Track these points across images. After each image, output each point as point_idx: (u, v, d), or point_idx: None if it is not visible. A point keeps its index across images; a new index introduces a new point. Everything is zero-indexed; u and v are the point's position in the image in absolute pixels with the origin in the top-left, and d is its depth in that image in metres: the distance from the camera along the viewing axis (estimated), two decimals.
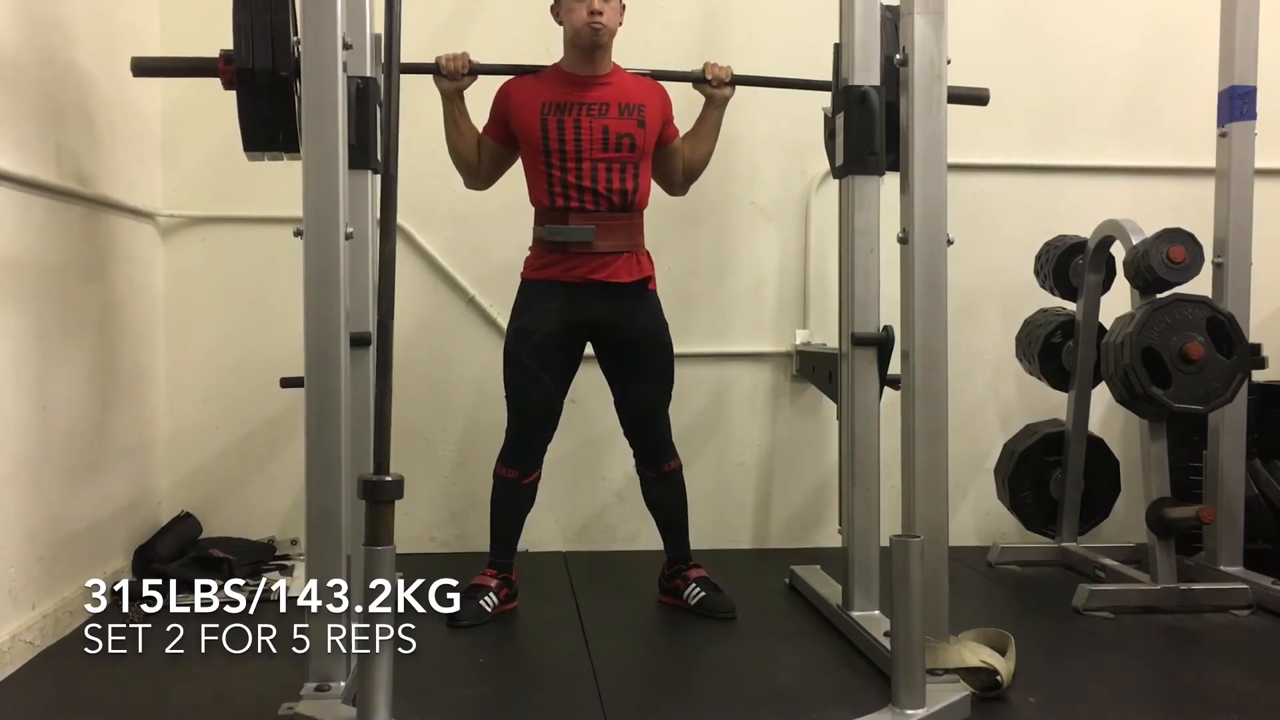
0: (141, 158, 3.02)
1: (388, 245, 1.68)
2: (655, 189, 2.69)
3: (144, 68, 2.22)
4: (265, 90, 1.96)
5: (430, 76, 2.55)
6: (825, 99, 2.60)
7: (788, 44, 3.25)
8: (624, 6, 2.56)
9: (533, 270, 2.59)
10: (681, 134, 2.71)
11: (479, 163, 2.62)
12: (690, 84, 2.66)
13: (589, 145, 2.50)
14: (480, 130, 2.62)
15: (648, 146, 2.57)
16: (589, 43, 2.49)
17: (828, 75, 2.54)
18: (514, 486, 2.59)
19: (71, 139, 2.54)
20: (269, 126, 2.01)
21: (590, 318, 2.55)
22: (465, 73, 2.51)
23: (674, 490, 2.67)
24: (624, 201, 2.54)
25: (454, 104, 2.56)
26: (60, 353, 2.44)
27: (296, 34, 2.00)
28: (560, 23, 2.56)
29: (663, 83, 2.66)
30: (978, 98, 2.49)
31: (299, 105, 1.98)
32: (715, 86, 2.62)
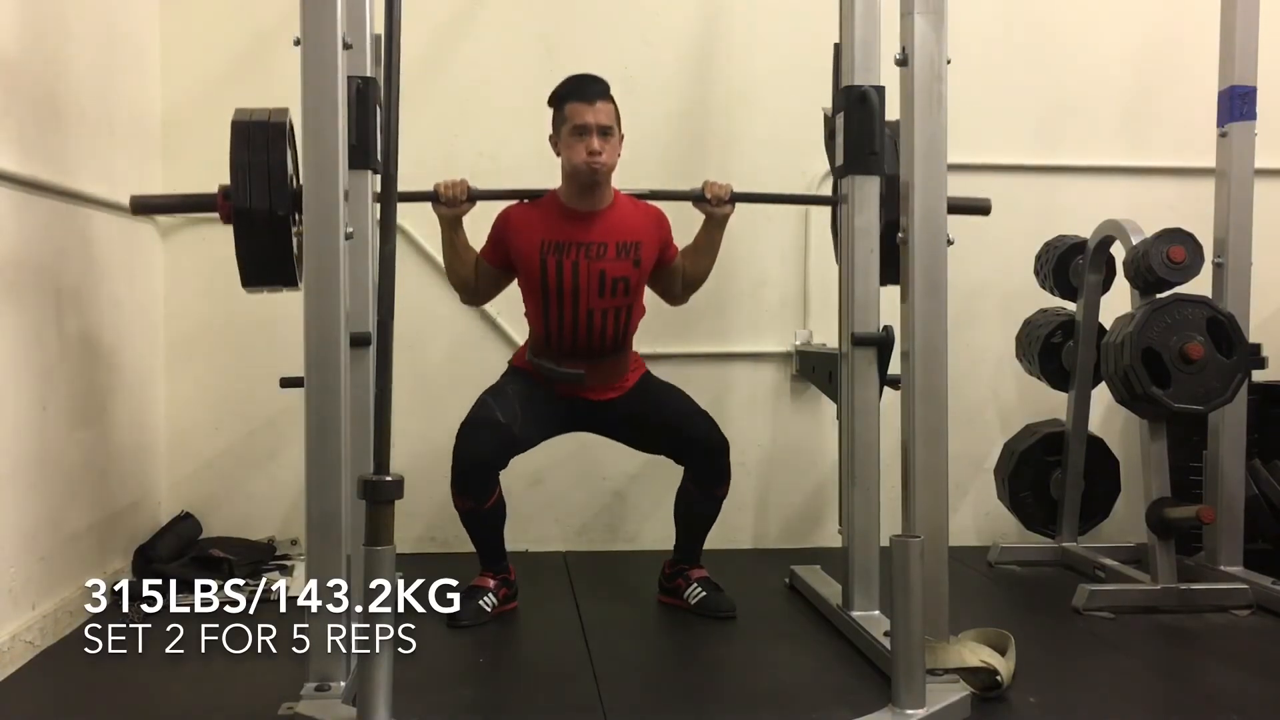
0: (141, 158, 3.02)
1: (388, 245, 1.68)
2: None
3: (143, 205, 2.24)
4: (263, 229, 1.96)
5: (431, 205, 2.53)
6: (825, 99, 2.60)
7: (787, 44, 3.26)
8: (623, 137, 2.54)
9: (522, 364, 2.64)
10: (681, 250, 2.70)
11: (476, 283, 2.62)
12: (690, 202, 2.62)
13: (585, 291, 2.51)
14: (478, 252, 2.62)
15: (642, 284, 2.60)
16: (587, 181, 2.49)
17: (827, 73, 2.54)
18: (476, 514, 2.54)
19: (72, 139, 2.54)
20: (267, 263, 2.01)
21: (580, 415, 2.62)
22: (464, 199, 2.50)
23: (714, 510, 2.66)
24: (616, 343, 2.58)
25: (453, 229, 2.55)
26: (60, 353, 2.44)
27: (296, 174, 2.00)
28: (558, 154, 2.55)
29: (661, 204, 2.65)
30: (979, 208, 2.49)
31: (298, 242, 1.98)
32: (715, 205, 2.58)
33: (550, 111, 2.55)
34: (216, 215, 3.09)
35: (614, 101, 2.51)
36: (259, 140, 1.96)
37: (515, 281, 2.63)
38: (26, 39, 2.33)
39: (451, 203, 2.49)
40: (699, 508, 2.65)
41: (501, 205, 2.61)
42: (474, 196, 2.51)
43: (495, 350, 3.15)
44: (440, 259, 3.18)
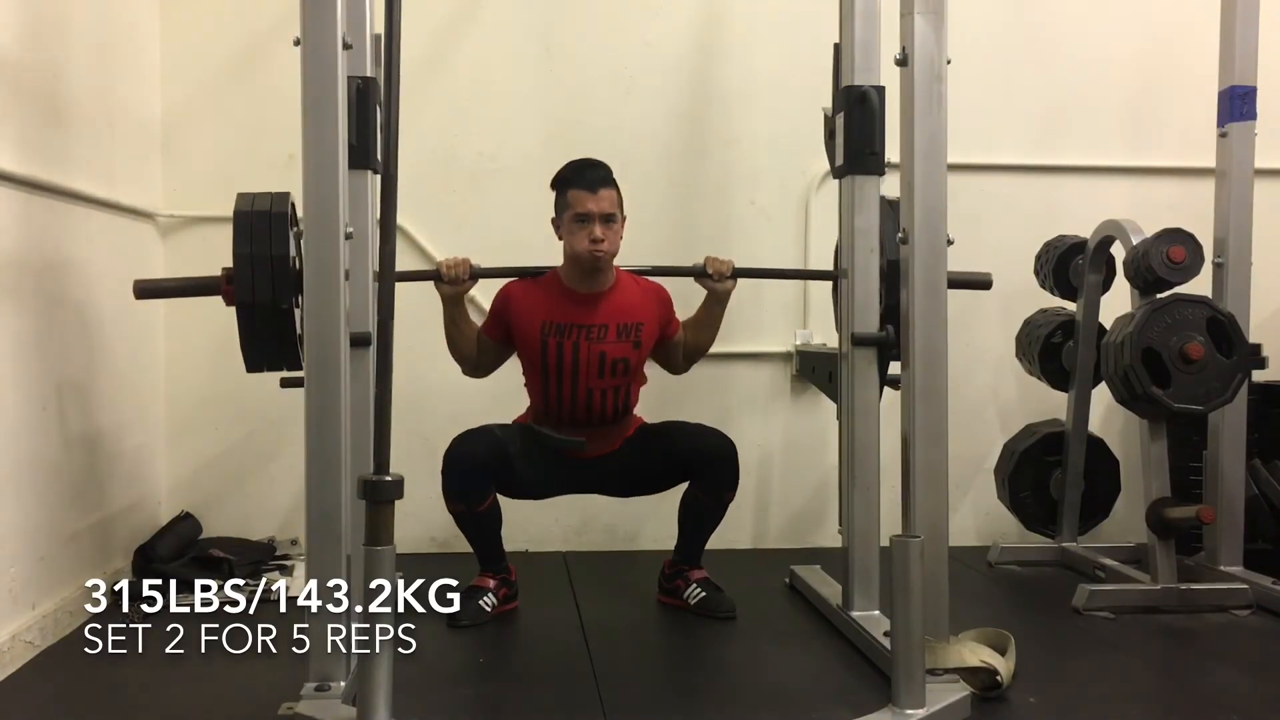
0: (141, 158, 3.02)
1: (388, 245, 1.68)
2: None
3: (146, 290, 2.23)
4: (266, 320, 1.97)
5: (434, 283, 2.52)
6: (825, 100, 2.60)
7: (787, 44, 3.26)
8: (625, 219, 2.54)
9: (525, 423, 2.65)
10: (683, 322, 2.70)
11: (478, 357, 2.62)
12: (692, 278, 2.62)
13: (585, 372, 2.52)
14: (479, 328, 2.63)
15: (642, 362, 2.62)
16: (590, 268, 2.50)
17: (827, 73, 2.54)
18: (468, 517, 2.55)
19: (71, 139, 2.54)
20: (271, 351, 2.02)
21: (579, 474, 2.63)
22: (466, 278, 2.49)
23: (720, 514, 2.66)
24: (616, 416, 2.60)
25: (455, 307, 2.54)
26: (60, 353, 2.44)
27: (298, 251, 2.00)
28: (560, 238, 2.55)
29: (660, 280, 2.65)
30: (980, 283, 2.51)
31: (301, 324, 1.98)
32: (716, 280, 2.58)
33: (554, 195, 2.56)
34: (217, 219, 3.14)
35: (617, 187, 2.51)
36: (261, 232, 1.96)
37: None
38: (26, 39, 2.33)
39: (454, 281, 2.48)
40: (707, 512, 2.65)
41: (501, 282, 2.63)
42: (476, 275, 2.50)
43: None
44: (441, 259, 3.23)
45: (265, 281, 1.94)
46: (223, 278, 2.02)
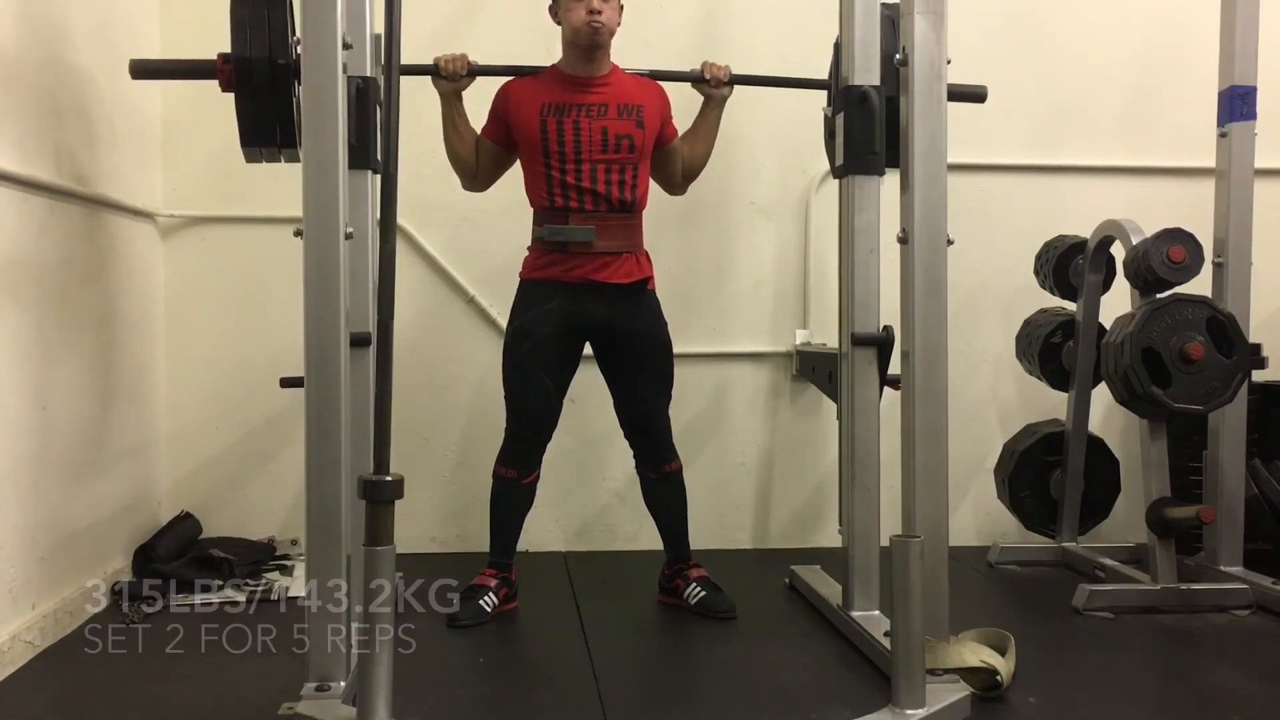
0: (141, 158, 3.02)
1: (388, 245, 1.68)
2: (654, 189, 2.69)
3: (142, 69, 2.21)
4: (263, 84, 1.96)
5: (431, 79, 2.54)
6: (825, 99, 2.60)
7: (787, 43, 3.26)
8: (622, 6, 2.55)
9: (532, 270, 2.59)
10: (680, 134, 2.71)
11: (477, 164, 2.62)
12: (689, 83, 2.66)
13: (588, 146, 2.50)
14: (479, 132, 2.62)
15: (646, 147, 2.58)
16: (588, 42, 2.49)
17: (827, 75, 2.54)
18: (514, 486, 2.59)
19: (71, 139, 2.54)
20: (267, 122, 2.00)
21: (589, 318, 2.55)
22: (464, 74, 2.51)
23: (674, 491, 2.67)
24: (623, 202, 2.54)
25: (452, 105, 2.56)
26: (60, 353, 2.44)
27: (295, 32, 2.00)
28: (558, 23, 2.56)
29: (661, 82, 2.65)
30: (975, 95, 2.49)
31: (297, 104, 1.98)
32: (714, 86, 2.63)
33: None
34: (217, 219, 3.15)
35: None
36: None
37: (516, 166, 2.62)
38: (26, 39, 2.33)
39: (451, 76, 2.50)
40: (661, 492, 2.67)
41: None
42: (474, 71, 2.52)
43: (495, 350, 3.14)
44: (440, 259, 3.23)
45: (262, 41, 1.94)
46: (219, 59, 2.00)
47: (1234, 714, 2.00)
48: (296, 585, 2.76)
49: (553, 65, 2.59)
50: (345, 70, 1.89)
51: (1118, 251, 2.92)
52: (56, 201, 2.43)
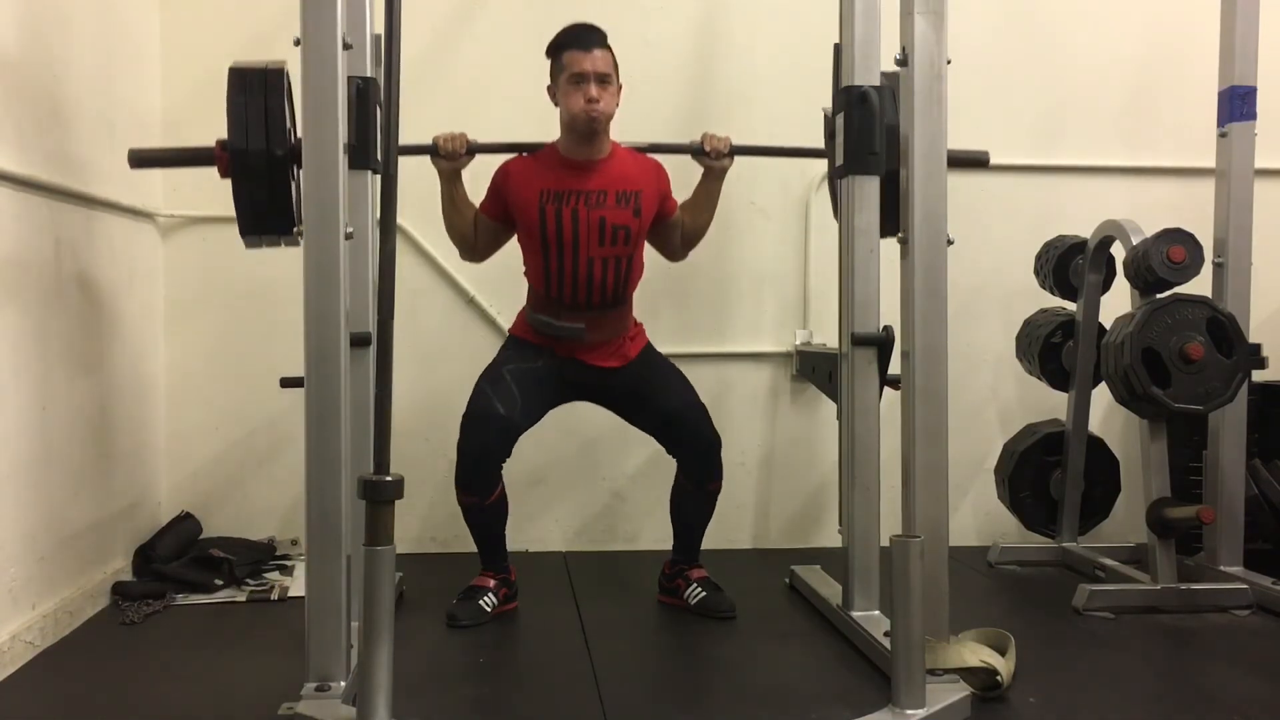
0: None
1: (388, 245, 1.68)
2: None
3: (140, 159, 2.21)
4: (261, 174, 1.94)
5: (430, 158, 2.53)
6: (825, 99, 2.60)
7: (787, 44, 3.26)
8: (621, 87, 2.54)
9: (522, 332, 2.63)
10: (681, 203, 2.70)
11: (475, 238, 2.62)
12: (689, 155, 2.63)
13: (585, 239, 2.51)
14: (477, 207, 2.62)
15: (642, 234, 2.60)
16: (586, 130, 2.48)
17: (827, 73, 2.54)
18: (479, 509, 2.54)
19: (71, 139, 2.54)
20: (265, 211, 1.98)
21: (580, 382, 2.60)
22: (463, 153, 2.50)
23: (707, 507, 2.65)
24: (616, 296, 2.57)
25: (452, 184, 2.55)
26: (60, 353, 2.44)
27: (294, 121, 1.99)
28: (556, 105, 2.55)
29: (659, 156, 2.65)
30: (977, 160, 2.50)
31: (297, 190, 1.96)
32: (714, 158, 2.59)
33: (548, 63, 2.55)
34: (217, 219, 3.15)
35: (612, 50, 2.50)
36: (256, 86, 1.94)
37: (515, 238, 2.63)
38: (26, 39, 2.33)
39: (451, 156, 2.49)
40: (692, 504, 2.64)
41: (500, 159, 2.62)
42: (473, 150, 2.51)
43: (494, 350, 3.14)
44: (440, 259, 3.23)
45: (259, 132, 1.92)
46: (217, 145, 1.99)
47: (1234, 714, 2.00)
48: (296, 585, 2.76)
49: (551, 145, 2.58)
50: (345, 70, 1.88)
51: (1118, 251, 2.92)
52: (56, 201, 2.43)
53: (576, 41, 2.47)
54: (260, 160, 1.93)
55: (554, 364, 2.58)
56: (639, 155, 2.62)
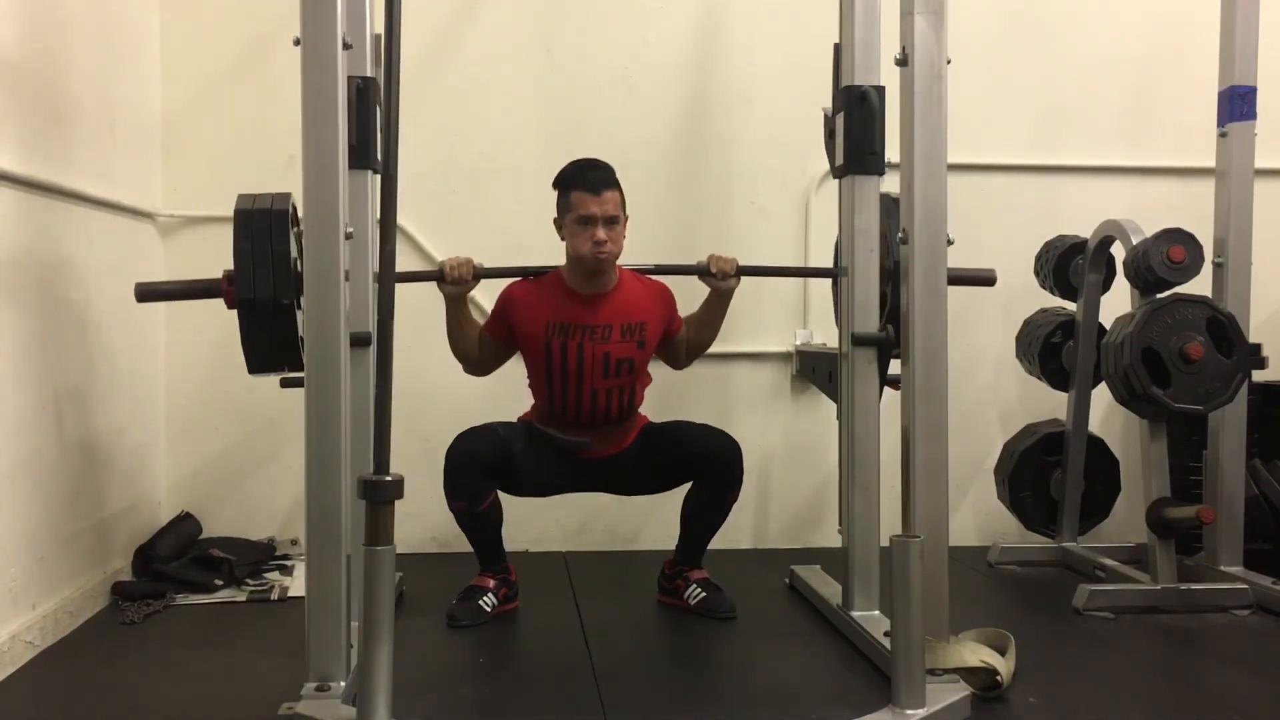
0: (141, 158, 3.02)
1: (388, 245, 1.68)
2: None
3: (147, 293, 2.21)
4: (268, 320, 1.95)
5: (436, 284, 2.52)
6: (825, 100, 2.60)
7: (787, 44, 3.26)
8: (627, 218, 2.54)
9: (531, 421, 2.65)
10: (686, 318, 2.70)
11: (480, 356, 2.62)
12: (695, 276, 2.61)
13: (590, 372, 2.52)
14: (482, 326, 2.62)
15: (647, 361, 2.62)
16: (593, 269, 2.49)
17: (827, 73, 2.54)
18: (470, 514, 2.54)
19: (71, 139, 2.54)
20: (272, 350, 1.99)
21: (585, 473, 2.63)
22: (470, 278, 2.49)
23: (723, 515, 2.66)
24: (622, 415, 2.60)
25: (457, 306, 2.54)
26: (60, 353, 2.44)
27: (299, 259, 1.99)
28: (562, 238, 2.54)
29: (665, 280, 2.65)
30: (984, 279, 2.50)
31: (302, 326, 1.97)
32: (720, 279, 2.57)
33: (555, 194, 2.55)
34: (217, 219, 3.14)
35: (620, 187, 2.50)
36: (261, 228, 1.94)
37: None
38: (26, 39, 2.33)
39: (457, 282, 2.48)
40: (709, 513, 2.65)
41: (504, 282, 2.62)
42: (479, 275, 2.50)
43: None
44: (441, 259, 3.23)
45: (266, 278, 1.93)
46: (224, 279, 2.00)
47: (1234, 714, 2.00)
48: (296, 585, 2.76)
49: (557, 273, 2.57)
50: (345, 70, 1.88)
51: (1118, 251, 2.92)
52: (56, 201, 2.43)
53: (584, 182, 2.46)
54: (268, 308, 1.94)
55: (558, 454, 2.59)
56: (644, 281, 2.62)
